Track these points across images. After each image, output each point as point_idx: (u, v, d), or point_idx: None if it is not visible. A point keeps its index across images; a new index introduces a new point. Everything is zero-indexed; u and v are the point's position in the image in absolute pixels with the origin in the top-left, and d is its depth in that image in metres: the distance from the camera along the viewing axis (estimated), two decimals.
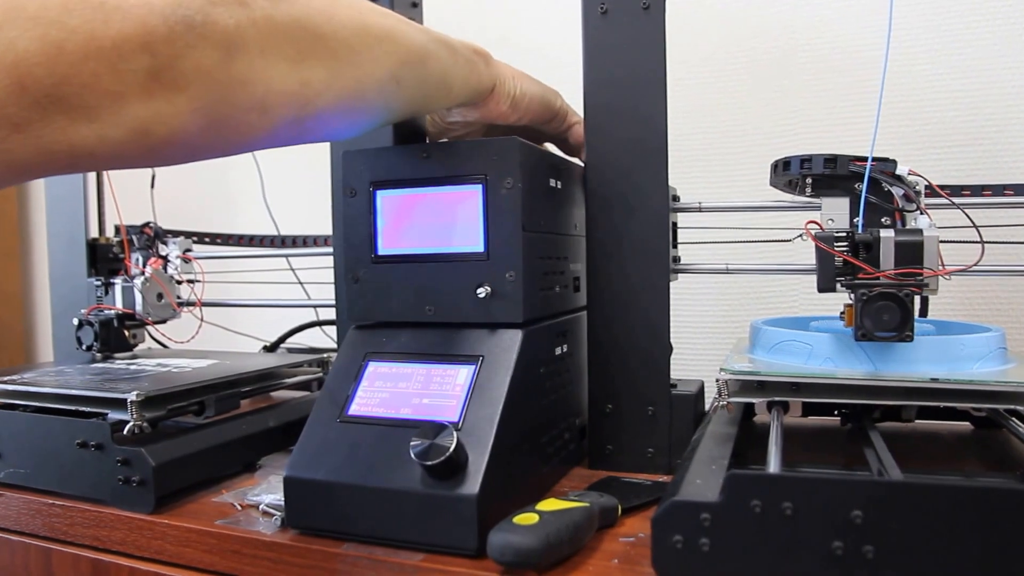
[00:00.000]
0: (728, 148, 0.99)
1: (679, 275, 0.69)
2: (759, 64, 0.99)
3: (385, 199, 0.59)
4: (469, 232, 0.56)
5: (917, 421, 0.72)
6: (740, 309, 0.99)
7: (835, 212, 0.60)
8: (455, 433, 0.48)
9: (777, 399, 0.58)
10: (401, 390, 0.55)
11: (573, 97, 0.69)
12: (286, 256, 0.96)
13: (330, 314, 1.01)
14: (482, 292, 0.55)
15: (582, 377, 0.69)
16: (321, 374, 0.86)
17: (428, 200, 0.57)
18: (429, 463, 0.47)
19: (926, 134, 0.91)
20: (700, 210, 0.68)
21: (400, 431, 0.52)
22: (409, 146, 0.59)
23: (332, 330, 1.06)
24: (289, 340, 1.03)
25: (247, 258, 0.96)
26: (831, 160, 0.59)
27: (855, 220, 0.59)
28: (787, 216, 0.66)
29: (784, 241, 0.66)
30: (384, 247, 0.59)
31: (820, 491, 0.39)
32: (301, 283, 1.01)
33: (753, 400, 0.58)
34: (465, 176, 0.56)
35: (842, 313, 0.60)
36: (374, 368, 0.57)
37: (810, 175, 0.61)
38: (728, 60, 1.00)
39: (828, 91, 0.95)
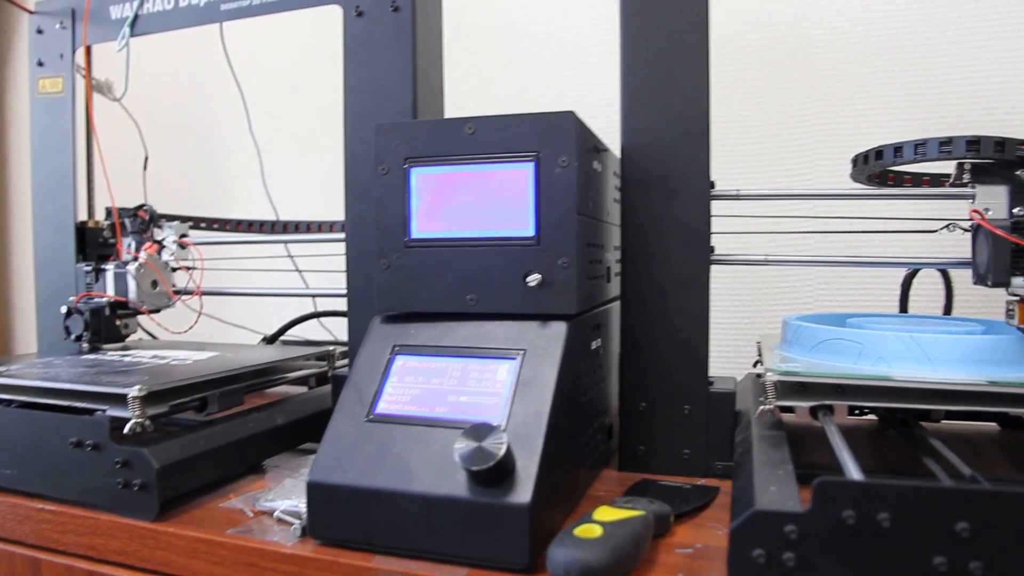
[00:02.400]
0: (742, 139, 0.95)
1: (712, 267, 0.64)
2: (773, 54, 0.94)
3: (421, 177, 0.53)
4: (518, 214, 0.51)
5: (943, 422, 0.68)
6: (751, 304, 0.95)
7: (992, 201, 0.55)
8: (505, 435, 0.42)
9: (826, 403, 0.53)
10: (435, 386, 0.49)
11: (603, 79, 0.64)
12: (286, 242, 0.90)
13: (329, 304, 0.96)
14: (533, 280, 0.50)
15: (612, 373, 0.65)
16: (326, 368, 0.80)
17: (470, 179, 0.52)
18: (477, 468, 0.42)
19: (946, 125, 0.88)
20: (738, 198, 0.63)
21: (437, 432, 0.47)
22: (451, 119, 0.54)
23: (330, 322, 1.01)
24: (289, 332, 0.97)
25: (240, 244, 0.90)
26: (1000, 144, 0.54)
27: (1016, 210, 0.54)
28: (827, 206, 0.62)
29: (849, 232, 0.62)
30: (419, 230, 0.54)
31: (923, 501, 0.35)
32: (299, 271, 0.95)
33: (801, 404, 0.54)
34: (515, 153, 0.51)
35: (1010, 310, 0.55)
36: (403, 362, 0.52)
37: (975, 159, 0.55)
38: (741, 51, 0.95)
39: (844, 82, 0.91)
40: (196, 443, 0.57)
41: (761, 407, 0.54)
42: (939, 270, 0.74)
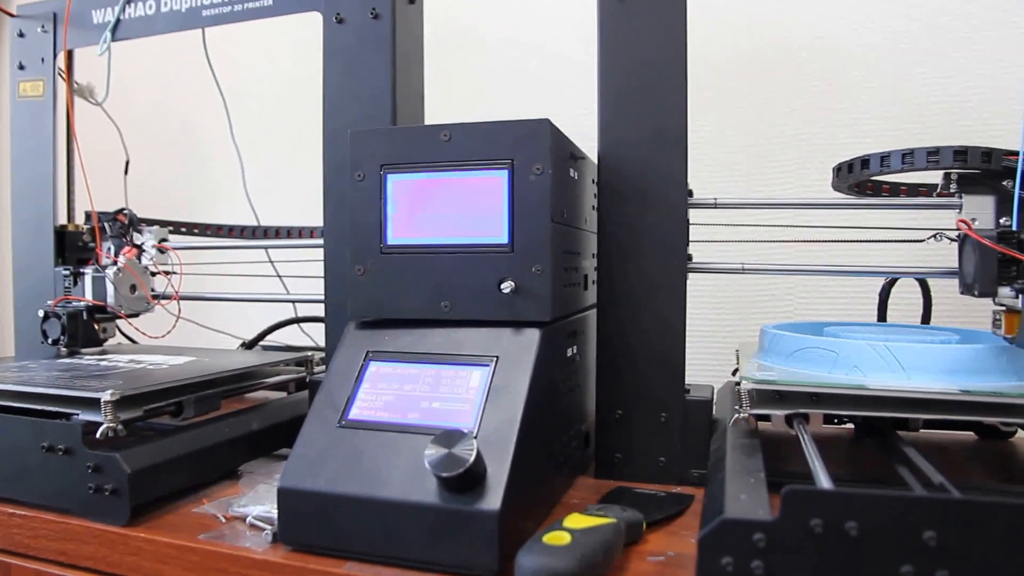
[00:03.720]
0: (723, 147, 0.95)
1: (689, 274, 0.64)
2: (755, 62, 0.95)
3: (396, 183, 0.53)
4: (492, 222, 0.51)
5: (921, 431, 0.69)
6: (732, 312, 0.96)
7: (978, 211, 0.56)
8: (475, 442, 0.42)
9: (801, 411, 0.53)
10: (407, 393, 0.49)
11: (582, 87, 0.64)
12: (266, 247, 0.90)
13: (309, 310, 0.96)
14: (507, 287, 0.50)
15: (589, 381, 0.64)
16: (304, 374, 0.80)
17: (446, 186, 0.52)
18: (447, 475, 0.41)
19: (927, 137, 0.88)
20: (716, 206, 0.63)
21: (408, 438, 0.47)
22: (427, 126, 0.53)
23: (311, 328, 1.01)
24: (268, 337, 0.96)
25: (220, 249, 0.89)
26: (987, 154, 0.54)
27: (1002, 220, 0.54)
28: (800, 215, 0.62)
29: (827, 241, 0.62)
30: (394, 236, 0.54)
31: (890, 509, 0.35)
32: (280, 276, 0.94)
33: (776, 412, 0.54)
34: (490, 160, 0.51)
35: (996, 320, 0.55)
36: (376, 368, 0.51)
37: (962, 169, 0.55)
38: (723, 58, 0.96)
39: (826, 91, 0.92)
40: (170, 448, 0.57)
41: (736, 415, 0.54)
42: (917, 279, 0.75)
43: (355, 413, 0.49)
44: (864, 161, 0.61)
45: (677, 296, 0.60)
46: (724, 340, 0.95)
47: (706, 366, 0.91)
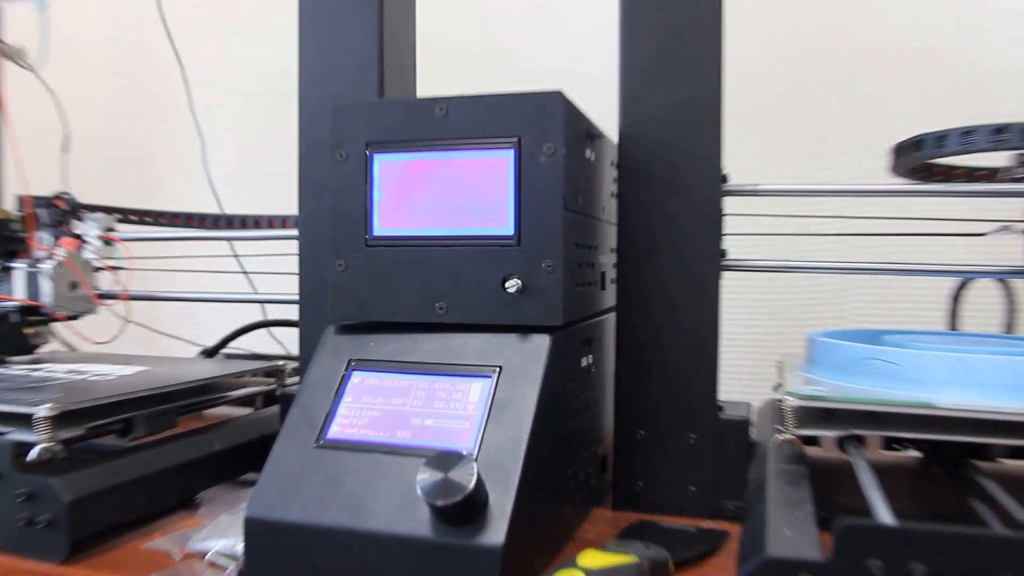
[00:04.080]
0: (762, 124, 0.96)
1: (724, 273, 0.64)
2: (802, 25, 0.95)
3: (384, 165, 0.54)
4: (496, 210, 0.52)
5: (1001, 460, 0.69)
6: (773, 318, 0.96)
7: None
8: (475, 465, 0.42)
9: (856, 433, 0.54)
10: (397, 408, 0.50)
11: (600, 52, 0.64)
12: (230, 239, 0.90)
13: (281, 312, 0.96)
14: (512, 286, 0.51)
15: (606, 396, 0.65)
16: (274, 386, 0.80)
17: (442, 168, 0.53)
18: (442, 504, 0.42)
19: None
20: (756, 193, 0.63)
21: (397, 460, 0.47)
22: (421, 99, 0.54)
23: (282, 333, 1.01)
24: (232, 344, 0.97)
25: (176, 241, 0.90)
26: None
27: None
28: (862, 204, 0.63)
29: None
30: (381, 226, 0.54)
31: (964, 549, 0.35)
32: (246, 273, 0.95)
33: (826, 433, 0.54)
34: (493, 139, 0.52)
35: None
36: (360, 380, 0.52)
37: None
38: (764, 22, 0.96)
39: (887, 60, 0.92)
40: (117, 473, 0.57)
41: (779, 437, 0.55)
42: (997, 280, 0.74)
43: (335, 431, 0.50)
44: (918, 142, 0.61)
45: (709, 298, 0.61)
46: (763, 350, 0.96)
47: (742, 380, 0.92)
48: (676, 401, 0.61)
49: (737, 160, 0.63)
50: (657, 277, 0.61)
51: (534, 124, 0.51)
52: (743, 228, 0.67)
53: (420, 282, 0.53)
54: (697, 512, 0.61)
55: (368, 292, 0.55)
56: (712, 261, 0.61)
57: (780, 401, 0.56)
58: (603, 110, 0.62)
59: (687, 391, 0.61)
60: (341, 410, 0.51)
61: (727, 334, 0.62)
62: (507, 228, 0.52)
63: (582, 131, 0.56)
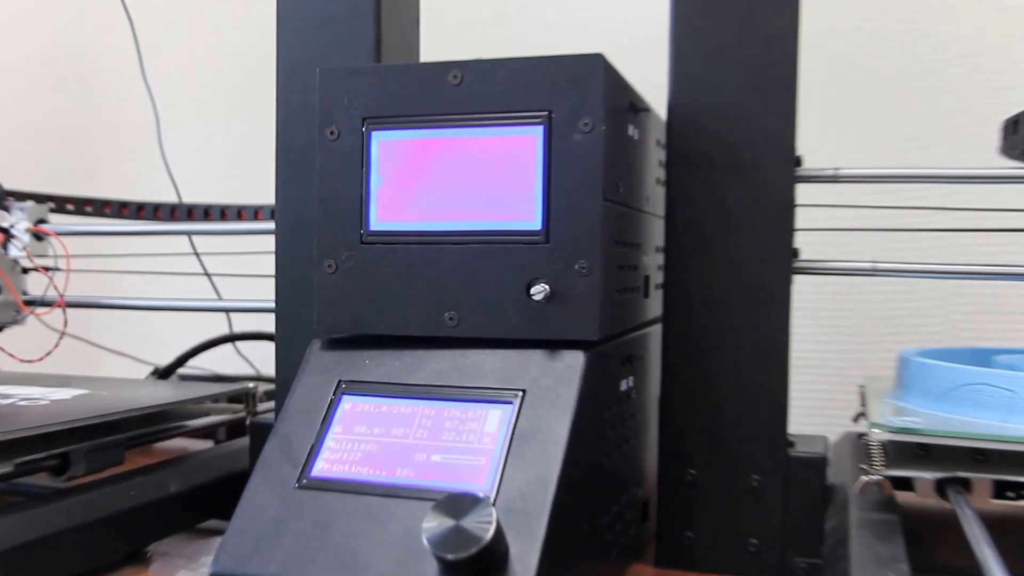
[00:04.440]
0: (844, 96, 0.96)
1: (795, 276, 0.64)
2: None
3: (384, 145, 0.54)
4: (519, 199, 0.52)
5: None
6: (854, 332, 0.96)
7: None
8: (493, 511, 0.42)
9: (961, 475, 0.54)
10: (397, 440, 0.50)
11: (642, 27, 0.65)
12: (190, 234, 0.91)
13: (252, 323, 0.97)
14: (539, 293, 0.51)
15: (649, 427, 0.65)
16: (243, 414, 0.81)
17: (454, 148, 0.53)
18: (453, 557, 0.41)
19: None
20: (836, 180, 0.63)
21: (398, 504, 0.47)
22: (428, 64, 0.54)
23: (253, 349, 1.02)
24: (190, 362, 0.98)
25: (123, 236, 0.90)
26: None
27: None
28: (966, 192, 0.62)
29: None
30: (380, 219, 0.54)
31: None
32: (209, 275, 0.95)
33: (922, 475, 0.54)
34: (517, 113, 0.52)
35: None
36: (352, 406, 0.52)
37: None
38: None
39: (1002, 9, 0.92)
40: (50, 519, 0.57)
41: (864, 479, 0.54)
42: None
43: (322, 468, 0.50)
44: (1014, 122, 0.61)
45: (778, 307, 0.60)
46: (841, 372, 0.96)
47: (814, 408, 0.92)
48: (735, 434, 0.61)
49: (806, 139, 0.63)
50: (713, 282, 0.61)
51: (568, 94, 0.51)
52: (817, 222, 0.68)
53: (426, 287, 0.53)
54: (760, 570, 0.61)
55: (363, 299, 0.55)
56: (782, 262, 0.60)
57: (864, 435, 0.56)
58: (645, 80, 0.62)
59: (750, 421, 0.61)
60: (329, 442, 0.51)
61: (795, 352, 0.62)
62: (533, 221, 0.51)
63: (625, 103, 0.56)
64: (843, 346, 0.96)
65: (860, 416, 0.71)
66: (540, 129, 0.51)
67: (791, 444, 0.62)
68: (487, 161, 0.53)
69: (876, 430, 0.53)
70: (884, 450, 0.53)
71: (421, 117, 0.54)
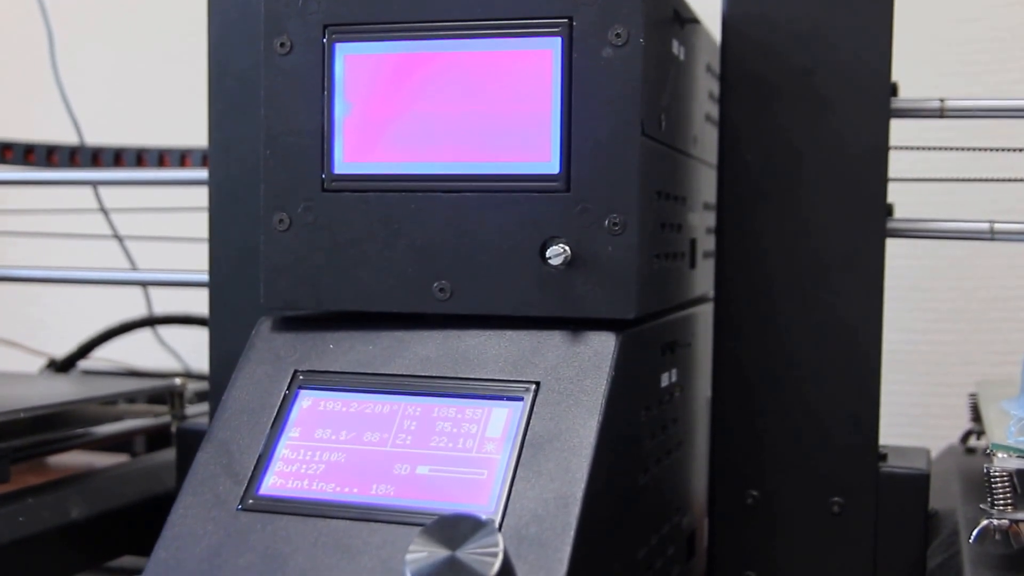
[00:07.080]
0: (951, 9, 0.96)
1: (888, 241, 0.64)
2: None
3: (353, 62, 0.54)
4: (531, 133, 0.52)
5: None
6: (961, 318, 0.96)
7: None
8: (499, 537, 0.42)
9: None
10: (371, 448, 0.50)
11: None
12: (95, 184, 0.91)
13: (177, 302, 0.97)
14: (556, 256, 0.51)
15: (697, 434, 0.66)
16: (167, 418, 0.81)
17: (445, 65, 0.53)
18: None
19: None
20: (942, 115, 0.63)
21: (373, 530, 0.47)
22: None
23: (178, 336, 1.02)
24: (96, 352, 0.98)
25: (10, 186, 0.90)
26: None
27: None
28: None
29: None
30: (348, 160, 0.54)
31: None
32: (120, 238, 0.95)
33: None
34: (527, 20, 0.51)
35: None
36: (312, 403, 0.52)
37: None
38: None
39: None
40: None
41: (984, 523, 0.54)
42: None
43: (273, 485, 0.50)
44: None
45: (867, 280, 0.61)
46: (942, 369, 0.96)
47: (908, 414, 0.92)
48: (809, 445, 0.62)
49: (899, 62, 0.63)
50: (779, 248, 0.62)
51: None
52: (915, 171, 0.68)
53: (409, 249, 0.53)
54: None
55: (325, 265, 0.54)
56: (873, 222, 0.61)
57: (973, 451, 0.56)
58: None
59: (829, 429, 0.61)
60: (282, 451, 0.51)
61: (888, 341, 0.62)
62: (550, 163, 0.51)
63: (668, 11, 0.56)
64: (945, 336, 0.96)
65: (972, 434, 0.71)
66: (557, 41, 0.51)
67: (883, 457, 0.62)
68: (488, 83, 0.52)
69: (1002, 454, 0.53)
70: (1011, 480, 0.53)
71: (401, 25, 0.53)
